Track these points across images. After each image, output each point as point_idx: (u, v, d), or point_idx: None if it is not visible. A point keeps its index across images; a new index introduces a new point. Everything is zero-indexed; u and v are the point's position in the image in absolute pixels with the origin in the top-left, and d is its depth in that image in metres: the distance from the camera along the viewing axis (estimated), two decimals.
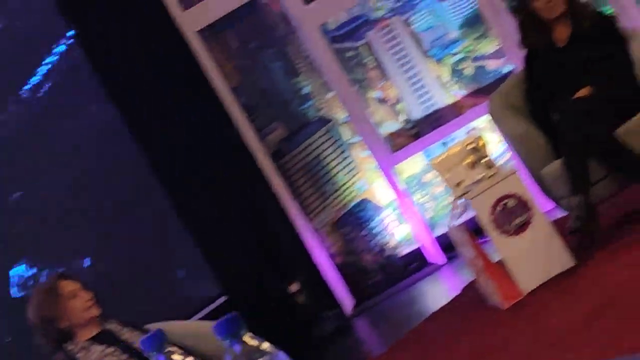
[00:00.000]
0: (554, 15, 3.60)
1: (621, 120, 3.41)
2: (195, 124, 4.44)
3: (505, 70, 4.56)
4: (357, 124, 4.67)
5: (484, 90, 4.55)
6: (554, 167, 3.40)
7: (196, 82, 4.51)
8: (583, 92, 3.51)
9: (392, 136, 4.66)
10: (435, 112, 4.65)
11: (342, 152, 4.75)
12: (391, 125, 4.67)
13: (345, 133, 4.76)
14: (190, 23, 4.52)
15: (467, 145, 3.28)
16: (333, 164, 4.68)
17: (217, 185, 4.45)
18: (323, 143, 4.73)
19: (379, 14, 4.64)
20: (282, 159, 4.73)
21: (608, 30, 3.67)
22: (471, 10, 4.61)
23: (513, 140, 3.64)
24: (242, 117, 4.64)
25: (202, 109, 4.49)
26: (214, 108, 4.55)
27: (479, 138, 3.36)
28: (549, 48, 3.65)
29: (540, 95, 3.65)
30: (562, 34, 3.66)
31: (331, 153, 4.74)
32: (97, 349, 2.88)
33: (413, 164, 4.65)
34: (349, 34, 4.65)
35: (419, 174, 4.66)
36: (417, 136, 4.63)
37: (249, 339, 1.09)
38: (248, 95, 4.74)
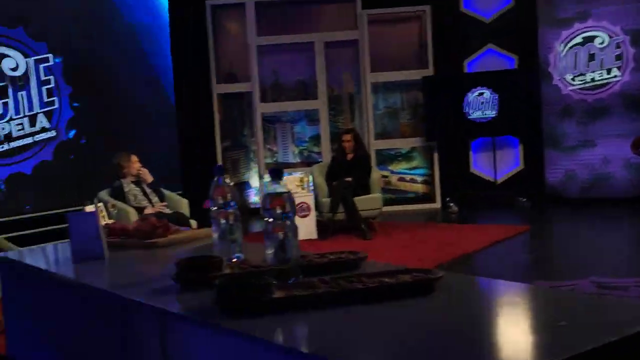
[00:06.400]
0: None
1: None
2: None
3: (318, 160, 9.05)
4: (258, 154, 9.25)
5: (306, 163, 9.16)
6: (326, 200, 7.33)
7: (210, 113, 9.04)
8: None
9: (267, 164, 9.26)
10: (287, 163, 9.30)
11: (247, 161, 9.63)
12: (268, 160, 9.37)
13: (251, 155, 9.56)
14: (217, 90, 9.31)
15: (299, 178, 7.41)
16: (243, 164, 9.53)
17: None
18: (242, 155, 9.61)
19: (283, 119, 9.49)
20: (225, 153, 9.44)
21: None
22: (316, 133, 9.47)
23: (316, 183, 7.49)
24: (219, 131, 9.25)
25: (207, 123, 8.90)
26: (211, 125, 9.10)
27: (304, 176, 7.30)
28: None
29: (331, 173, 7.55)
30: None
31: (243, 160, 9.58)
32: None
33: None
34: (271, 120, 9.39)
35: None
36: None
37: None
38: (223, 124, 9.43)
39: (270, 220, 1.90)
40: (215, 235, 2.22)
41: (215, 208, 2.21)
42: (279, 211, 1.88)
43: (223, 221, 2.20)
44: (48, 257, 3.06)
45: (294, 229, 1.91)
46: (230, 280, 1.81)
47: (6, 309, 2.99)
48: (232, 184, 2.27)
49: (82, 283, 2.34)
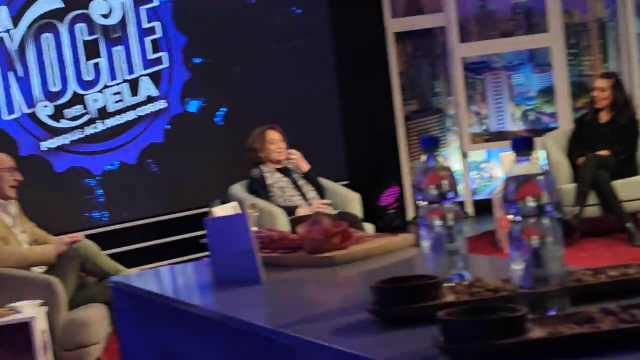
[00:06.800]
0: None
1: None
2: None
3: (552, 125, 9.38)
4: (458, 119, 9.69)
5: (535, 131, 9.21)
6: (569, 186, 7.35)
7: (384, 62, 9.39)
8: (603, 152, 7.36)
9: (473, 135, 9.73)
10: (503, 131, 9.71)
11: (442, 132, 9.91)
12: (475, 128, 9.84)
13: (448, 122, 9.95)
14: (392, 27, 9.52)
15: None
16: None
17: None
18: (434, 123, 9.98)
19: (496, 65, 9.78)
20: (409, 122, 9.84)
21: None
22: (548, 84, 9.52)
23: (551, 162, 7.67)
24: (398, 89, 9.67)
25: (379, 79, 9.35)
26: (385, 80, 9.45)
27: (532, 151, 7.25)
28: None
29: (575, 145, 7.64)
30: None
31: (436, 130, 9.93)
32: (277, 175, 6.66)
33: (477, 154, 9.93)
34: (477, 68, 9.76)
35: (478, 161, 9.93)
36: (487, 140, 9.83)
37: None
38: (405, 78, 9.87)
39: (518, 218, 1.87)
40: (425, 244, 2.23)
41: (426, 202, 2.21)
42: (530, 204, 1.84)
43: (438, 222, 2.20)
44: (177, 281, 3.21)
45: (557, 231, 1.87)
46: (461, 313, 1.80)
47: (125, 349, 3.18)
48: (446, 164, 2.26)
49: (230, 317, 2.42)
